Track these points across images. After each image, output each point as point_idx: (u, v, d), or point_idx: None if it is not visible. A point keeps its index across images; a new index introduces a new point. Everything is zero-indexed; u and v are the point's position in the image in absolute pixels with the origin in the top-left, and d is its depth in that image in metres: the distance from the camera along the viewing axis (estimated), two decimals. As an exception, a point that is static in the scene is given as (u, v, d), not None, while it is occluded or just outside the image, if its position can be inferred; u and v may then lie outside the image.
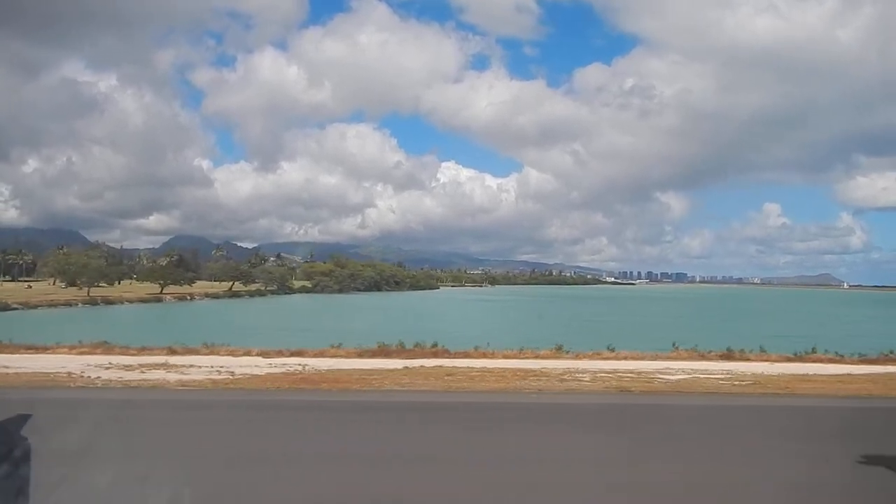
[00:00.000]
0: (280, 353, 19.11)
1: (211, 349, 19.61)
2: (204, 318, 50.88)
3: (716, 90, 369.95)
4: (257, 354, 18.86)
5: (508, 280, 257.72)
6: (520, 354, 19.73)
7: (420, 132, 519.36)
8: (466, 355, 19.56)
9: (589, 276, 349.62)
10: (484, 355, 19.48)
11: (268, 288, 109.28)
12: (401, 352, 19.81)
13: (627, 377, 14.91)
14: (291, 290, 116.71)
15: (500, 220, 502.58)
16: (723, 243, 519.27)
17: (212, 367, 15.76)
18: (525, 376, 14.86)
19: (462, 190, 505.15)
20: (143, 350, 18.85)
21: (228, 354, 18.96)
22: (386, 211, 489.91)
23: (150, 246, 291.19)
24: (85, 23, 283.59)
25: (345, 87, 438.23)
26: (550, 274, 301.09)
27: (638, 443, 8.55)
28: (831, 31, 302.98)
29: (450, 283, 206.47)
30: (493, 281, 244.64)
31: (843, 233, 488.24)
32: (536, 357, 19.60)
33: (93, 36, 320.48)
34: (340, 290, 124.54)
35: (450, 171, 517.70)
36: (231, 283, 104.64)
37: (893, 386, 14.30)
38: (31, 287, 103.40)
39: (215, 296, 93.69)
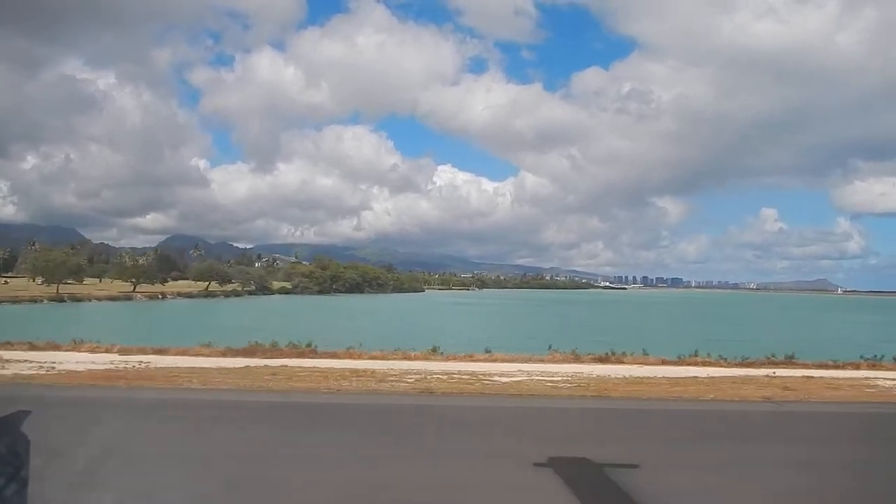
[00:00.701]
0: (142, 351, 19.01)
1: (76, 345, 19.50)
2: (151, 316, 50.80)
3: (714, 95, 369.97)
4: (117, 351, 18.75)
5: (499, 284, 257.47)
6: (388, 355, 19.58)
7: (417, 135, 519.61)
8: (333, 355, 19.42)
9: (581, 281, 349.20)
10: (350, 356, 19.33)
11: (245, 288, 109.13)
12: (268, 351, 19.69)
13: (455, 379, 14.73)
14: (270, 291, 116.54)
15: (496, 223, 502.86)
16: (719, 248, 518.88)
17: (45, 362, 15.63)
18: (350, 376, 14.69)
19: (458, 193, 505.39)
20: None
21: (89, 351, 18.85)
22: (382, 213, 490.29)
23: (147, 245, 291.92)
24: (84, 20, 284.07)
25: (342, 88, 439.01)
26: (542, 278, 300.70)
27: (332, 440, 8.56)
28: (830, 36, 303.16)
29: (437, 286, 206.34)
30: (483, 284, 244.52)
31: (841, 238, 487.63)
32: (405, 358, 19.47)
33: (92, 34, 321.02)
34: (321, 292, 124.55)
35: (446, 175, 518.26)
36: (207, 283, 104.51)
37: (699, 389, 14.14)
38: (7, 283, 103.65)
39: (189, 295, 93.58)
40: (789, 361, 21.02)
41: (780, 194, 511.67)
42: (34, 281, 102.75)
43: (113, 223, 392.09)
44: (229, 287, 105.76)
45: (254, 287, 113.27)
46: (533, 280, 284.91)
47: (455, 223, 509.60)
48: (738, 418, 11.45)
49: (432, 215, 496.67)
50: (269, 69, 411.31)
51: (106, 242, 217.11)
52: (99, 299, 76.31)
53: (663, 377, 16.32)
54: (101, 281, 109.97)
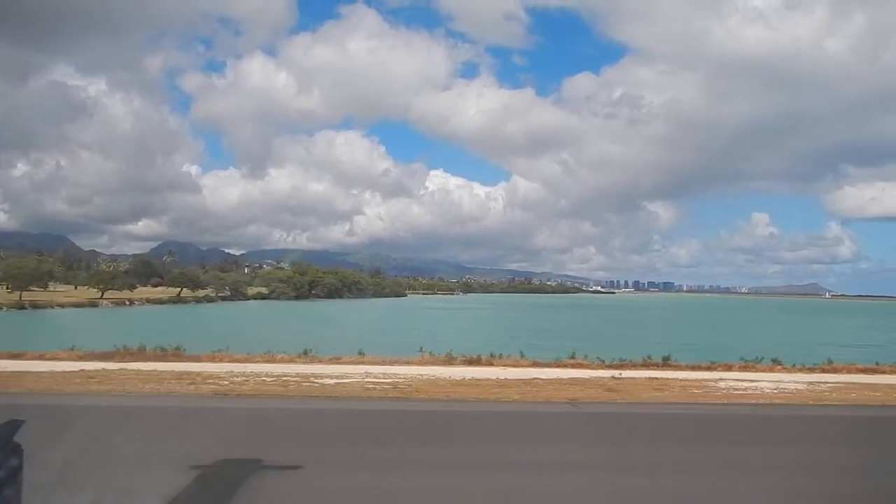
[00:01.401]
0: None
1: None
2: (91, 323, 50.56)
3: (705, 99, 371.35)
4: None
5: (486, 288, 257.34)
6: (251, 358, 19.45)
7: (409, 140, 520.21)
8: (196, 359, 19.28)
9: (570, 285, 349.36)
10: (212, 359, 19.20)
11: (219, 294, 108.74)
12: (131, 354, 19.49)
13: (272, 381, 14.58)
14: (246, 297, 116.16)
15: (488, 228, 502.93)
16: (711, 252, 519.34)
17: None
18: (170, 379, 14.50)
19: (450, 198, 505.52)
20: None
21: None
22: (374, 218, 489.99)
23: (139, 251, 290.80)
24: (75, 27, 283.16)
25: (334, 93, 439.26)
26: (531, 282, 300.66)
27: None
28: (820, 42, 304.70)
29: (422, 291, 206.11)
30: (470, 289, 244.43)
31: (832, 243, 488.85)
32: (268, 361, 19.34)
33: (83, 40, 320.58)
34: (298, 297, 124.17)
35: (438, 179, 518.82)
36: (179, 289, 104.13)
37: (512, 391, 14.04)
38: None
39: (158, 302, 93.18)
40: (664, 363, 20.98)
41: (772, 199, 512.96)
42: (6, 288, 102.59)
43: (104, 230, 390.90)
44: (202, 293, 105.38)
45: (229, 293, 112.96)
46: (520, 284, 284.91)
47: (447, 228, 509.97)
48: (487, 420, 11.33)
49: (425, 220, 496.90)
50: (260, 75, 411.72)
51: (96, 250, 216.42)
52: (62, 306, 75.92)
53: (504, 379, 16.20)
54: (76, 288, 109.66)
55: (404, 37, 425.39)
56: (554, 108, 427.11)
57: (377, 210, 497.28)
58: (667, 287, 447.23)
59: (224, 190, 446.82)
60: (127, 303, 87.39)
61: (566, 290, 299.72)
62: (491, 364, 20.18)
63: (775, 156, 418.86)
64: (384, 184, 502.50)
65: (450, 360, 20.41)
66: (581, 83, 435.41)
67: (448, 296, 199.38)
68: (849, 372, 20.46)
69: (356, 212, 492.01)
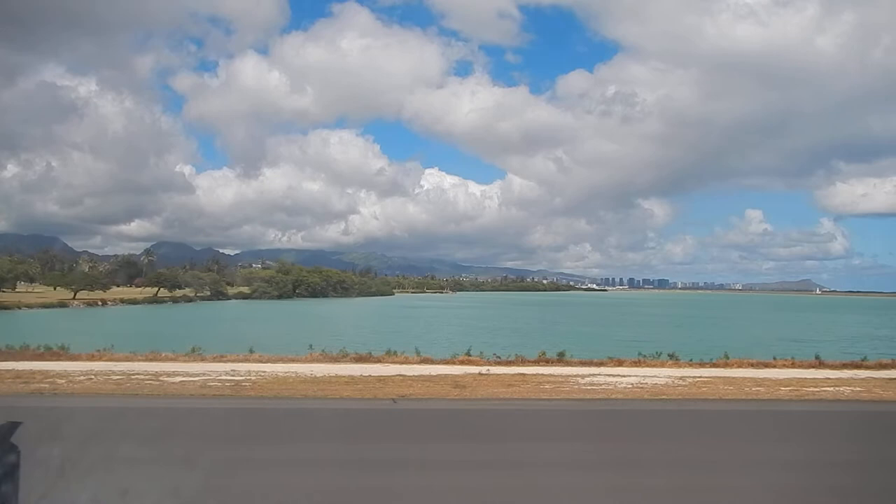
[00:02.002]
0: None
1: None
2: (40, 323, 50.27)
3: (698, 96, 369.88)
4: None
5: (477, 286, 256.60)
6: (133, 357, 19.32)
7: (403, 138, 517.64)
8: (75, 358, 19.18)
9: (564, 283, 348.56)
10: (91, 358, 19.10)
11: (198, 294, 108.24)
12: (15, 354, 19.41)
13: (132, 378, 14.49)
14: (227, 297, 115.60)
15: (484, 226, 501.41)
16: (706, 249, 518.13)
17: None
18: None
19: (446, 197, 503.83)
20: None
21: None
22: (369, 217, 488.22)
23: (132, 252, 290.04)
24: (62, 27, 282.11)
25: (327, 92, 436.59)
26: (523, 280, 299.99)
27: None
28: (811, 39, 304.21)
29: (412, 290, 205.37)
30: (461, 287, 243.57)
31: (825, 239, 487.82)
32: (153, 360, 19.20)
33: (71, 40, 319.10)
34: (280, 297, 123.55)
35: (433, 178, 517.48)
36: (156, 289, 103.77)
37: (349, 389, 13.87)
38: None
39: (133, 301, 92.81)
40: (558, 359, 20.87)
41: (765, 196, 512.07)
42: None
43: (97, 231, 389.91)
44: (179, 293, 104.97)
45: (208, 293, 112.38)
46: (512, 283, 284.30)
47: (443, 226, 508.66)
48: (274, 416, 11.17)
49: (420, 219, 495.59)
50: (252, 74, 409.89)
51: (89, 251, 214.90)
52: (30, 307, 75.53)
53: (368, 376, 16.07)
54: (55, 289, 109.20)
55: (397, 35, 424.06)
56: (548, 106, 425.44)
57: (372, 209, 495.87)
58: (661, 284, 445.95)
59: (218, 190, 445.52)
60: (99, 303, 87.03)
61: (558, 288, 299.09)
62: (379, 361, 20.05)
63: (768, 152, 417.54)
64: (379, 183, 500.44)
65: (338, 359, 20.30)
66: (575, 81, 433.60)
67: (437, 294, 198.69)
68: (740, 367, 20.38)
69: (351, 211, 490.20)
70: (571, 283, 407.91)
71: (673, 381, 15.75)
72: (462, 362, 19.91)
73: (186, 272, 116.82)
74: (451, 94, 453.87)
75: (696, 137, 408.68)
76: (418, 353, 21.23)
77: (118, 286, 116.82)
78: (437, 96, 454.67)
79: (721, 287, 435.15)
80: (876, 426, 11.32)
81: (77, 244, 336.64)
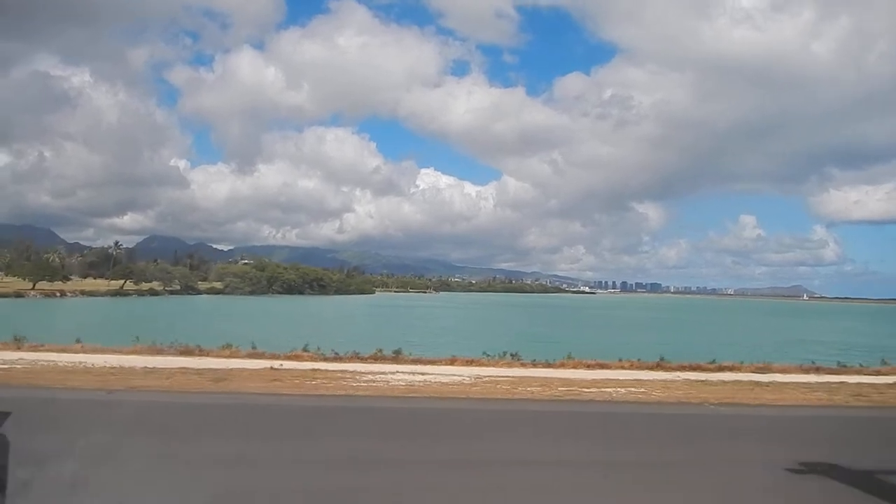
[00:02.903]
0: None
1: None
2: None
3: (693, 100, 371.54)
4: None
5: (464, 287, 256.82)
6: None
7: (399, 137, 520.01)
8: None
9: (552, 285, 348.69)
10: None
11: (166, 288, 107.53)
12: None
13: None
14: (196, 292, 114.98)
15: (478, 227, 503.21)
16: (699, 254, 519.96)
17: None
18: None
19: (441, 197, 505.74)
20: None
21: None
22: (364, 216, 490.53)
23: (125, 246, 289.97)
24: (56, 16, 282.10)
25: (323, 89, 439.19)
26: (511, 282, 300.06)
27: None
28: (807, 44, 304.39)
29: (395, 289, 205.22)
30: (448, 288, 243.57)
31: (817, 245, 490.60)
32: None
33: (65, 30, 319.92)
34: (253, 293, 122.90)
35: (429, 178, 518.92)
36: (123, 282, 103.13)
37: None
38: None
39: (93, 294, 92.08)
40: (392, 357, 20.10)
41: (759, 201, 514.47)
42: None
43: (89, 223, 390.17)
44: (145, 286, 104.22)
45: (178, 287, 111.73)
46: (501, 284, 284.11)
47: (438, 227, 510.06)
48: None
49: (415, 218, 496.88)
50: (248, 69, 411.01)
51: (81, 242, 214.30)
52: (-16, 296, 75.00)
53: (134, 367, 15.42)
54: (26, 280, 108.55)
55: (394, 33, 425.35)
56: (544, 108, 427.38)
57: (367, 208, 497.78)
58: (654, 288, 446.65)
59: (212, 185, 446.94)
60: (58, 294, 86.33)
61: (547, 290, 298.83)
62: (206, 355, 19.38)
63: (762, 157, 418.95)
64: (375, 181, 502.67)
65: (161, 350, 19.63)
66: (572, 83, 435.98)
67: (420, 294, 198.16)
68: (575, 367, 19.67)
69: (346, 209, 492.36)
70: (564, 285, 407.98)
71: (466, 381, 14.98)
72: (290, 358, 19.20)
73: (157, 266, 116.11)
74: (447, 93, 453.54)
75: (691, 141, 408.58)
76: (254, 347, 20.51)
77: (93, 279, 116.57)
78: (434, 95, 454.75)
79: (713, 292, 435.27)
80: (582, 425, 10.63)
81: (69, 236, 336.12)
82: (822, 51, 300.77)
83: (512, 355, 20.68)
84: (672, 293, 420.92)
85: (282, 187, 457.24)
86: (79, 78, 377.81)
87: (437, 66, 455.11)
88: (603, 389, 14.80)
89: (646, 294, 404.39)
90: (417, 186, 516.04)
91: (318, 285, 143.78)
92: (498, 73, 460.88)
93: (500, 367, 19.38)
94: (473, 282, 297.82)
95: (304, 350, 20.53)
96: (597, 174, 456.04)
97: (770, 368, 20.17)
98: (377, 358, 19.73)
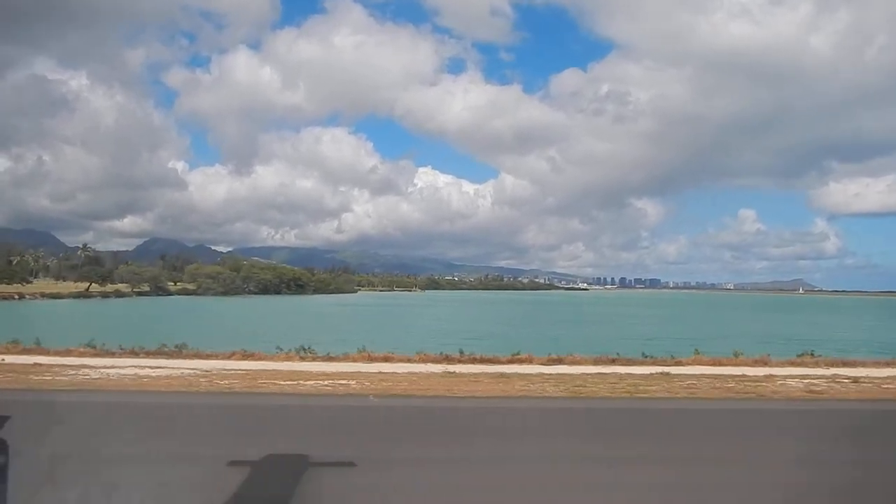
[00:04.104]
0: None
1: None
2: None
3: (691, 95, 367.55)
4: None
5: (454, 286, 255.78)
6: None
7: (396, 136, 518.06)
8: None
9: (547, 283, 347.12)
10: None
11: (134, 289, 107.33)
12: None
13: None
14: (167, 293, 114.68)
15: (477, 225, 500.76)
16: (699, 249, 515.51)
17: None
18: None
19: (439, 195, 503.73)
20: None
21: None
22: (362, 216, 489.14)
23: (125, 248, 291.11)
24: (52, 19, 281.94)
25: (320, 89, 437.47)
26: (502, 280, 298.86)
27: None
28: (805, 37, 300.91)
29: (381, 288, 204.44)
30: (438, 286, 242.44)
31: (818, 238, 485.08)
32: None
33: (61, 32, 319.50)
34: (226, 293, 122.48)
35: (426, 177, 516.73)
36: (88, 283, 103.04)
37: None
38: None
39: (56, 296, 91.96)
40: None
41: (758, 195, 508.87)
42: None
43: (89, 226, 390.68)
44: (111, 288, 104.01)
45: (148, 288, 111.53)
46: (492, 281, 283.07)
47: (436, 225, 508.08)
48: None
49: (413, 217, 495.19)
50: (245, 70, 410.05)
51: (80, 245, 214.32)
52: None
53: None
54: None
55: (390, 32, 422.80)
56: (541, 105, 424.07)
57: (365, 207, 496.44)
58: (653, 284, 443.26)
59: (210, 186, 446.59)
60: (16, 297, 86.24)
61: (539, 287, 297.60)
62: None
63: (761, 152, 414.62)
64: (372, 181, 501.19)
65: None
66: (568, 79, 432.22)
67: (405, 292, 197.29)
68: (363, 360, 19.09)
69: (344, 209, 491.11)
70: (564, 282, 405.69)
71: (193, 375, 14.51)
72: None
73: (128, 266, 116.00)
74: (444, 91, 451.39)
75: (689, 136, 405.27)
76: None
77: (73, 281, 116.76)
78: (430, 94, 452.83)
79: (713, 287, 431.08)
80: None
81: (69, 240, 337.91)
82: (820, 44, 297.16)
83: (304, 349, 20.09)
84: (671, 289, 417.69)
85: (279, 188, 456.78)
86: (76, 81, 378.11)
87: (434, 65, 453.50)
88: (318, 383, 14.21)
89: (643, 290, 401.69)
90: (415, 185, 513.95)
91: (295, 285, 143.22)
92: (494, 71, 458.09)
93: (279, 360, 18.90)
94: (466, 280, 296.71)
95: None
96: (594, 171, 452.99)
97: (563, 360, 19.57)
98: (159, 353, 19.24)
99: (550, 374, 15.59)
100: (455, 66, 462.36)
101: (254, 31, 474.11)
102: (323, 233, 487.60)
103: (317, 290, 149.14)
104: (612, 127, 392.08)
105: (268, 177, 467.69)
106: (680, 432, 9.90)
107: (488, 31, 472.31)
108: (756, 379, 14.89)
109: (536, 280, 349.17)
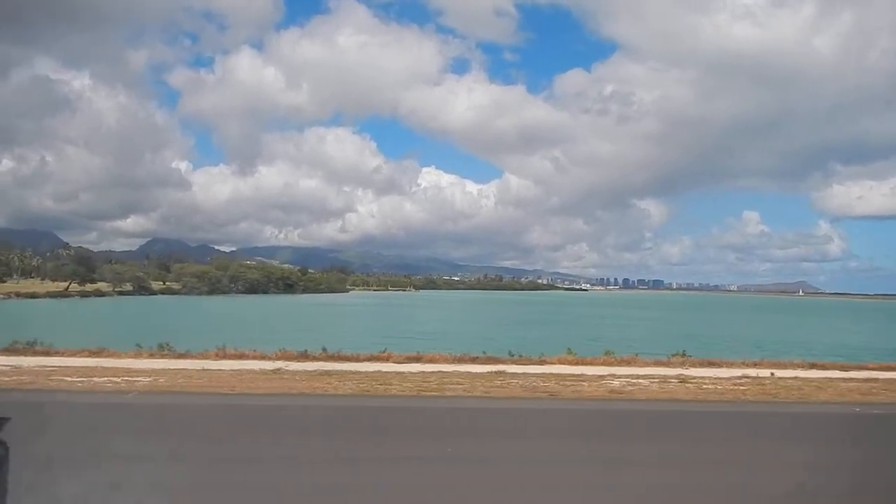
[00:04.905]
0: None
1: None
2: None
3: (695, 97, 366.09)
4: None
5: (450, 285, 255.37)
6: None
7: (400, 136, 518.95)
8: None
9: (543, 282, 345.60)
10: None
11: (115, 289, 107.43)
12: None
13: None
14: (150, 292, 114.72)
15: (480, 226, 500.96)
16: (702, 250, 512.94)
17: None
18: None
19: (443, 195, 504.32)
20: None
21: None
22: (366, 215, 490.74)
23: (128, 248, 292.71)
24: (55, 19, 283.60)
25: (323, 89, 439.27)
26: (500, 280, 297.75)
27: None
28: (808, 40, 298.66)
29: (375, 288, 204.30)
30: (435, 286, 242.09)
31: (822, 241, 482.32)
32: None
33: (64, 33, 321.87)
34: (211, 292, 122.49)
35: (430, 177, 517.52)
36: (68, 283, 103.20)
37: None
38: None
39: (32, 295, 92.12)
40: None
41: (762, 197, 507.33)
42: None
43: (92, 226, 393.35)
44: (91, 287, 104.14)
45: (131, 287, 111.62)
46: (490, 282, 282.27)
47: (440, 225, 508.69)
48: None
49: (417, 217, 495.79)
50: (248, 70, 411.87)
51: (83, 246, 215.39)
52: None
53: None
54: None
55: (394, 32, 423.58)
56: (545, 105, 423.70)
57: (369, 207, 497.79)
58: (656, 285, 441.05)
59: (214, 186, 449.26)
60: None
61: (538, 288, 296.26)
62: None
63: (764, 153, 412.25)
64: (376, 180, 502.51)
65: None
66: (572, 80, 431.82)
67: (399, 292, 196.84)
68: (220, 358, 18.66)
69: (348, 209, 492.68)
70: (567, 282, 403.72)
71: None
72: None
73: (110, 266, 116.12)
74: (447, 91, 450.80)
75: (692, 137, 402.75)
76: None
77: (63, 281, 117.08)
78: (434, 93, 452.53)
79: (716, 288, 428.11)
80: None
81: (72, 239, 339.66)
82: (823, 46, 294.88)
83: (163, 346, 19.60)
84: (674, 290, 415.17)
85: (283, 188, 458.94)
86: (79, 81, 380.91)
87: (438, 65, 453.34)
88: (111, 378, 13.73)
89: (645, 291, 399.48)
90: (419, 185, 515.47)
91: (284, 285, 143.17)
92: (498, 71, 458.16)
93: (127, 358, 18.43)
94: (466, 280, 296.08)
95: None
96: (598, 171, 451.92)
97: (421, 359, 18.99)
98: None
99: (373, 373, 15.00)
100: (459, 66, 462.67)
101: (257, 32, 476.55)
102: (327, 233, 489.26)
103: (307, 290, 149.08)
104: (616, 127, 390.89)
105: (271, 177, 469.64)
106: (392, 430, 9.37)
107: (492, 31, 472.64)
108: (580, 378, 14.18)
109: (538, 281, 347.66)
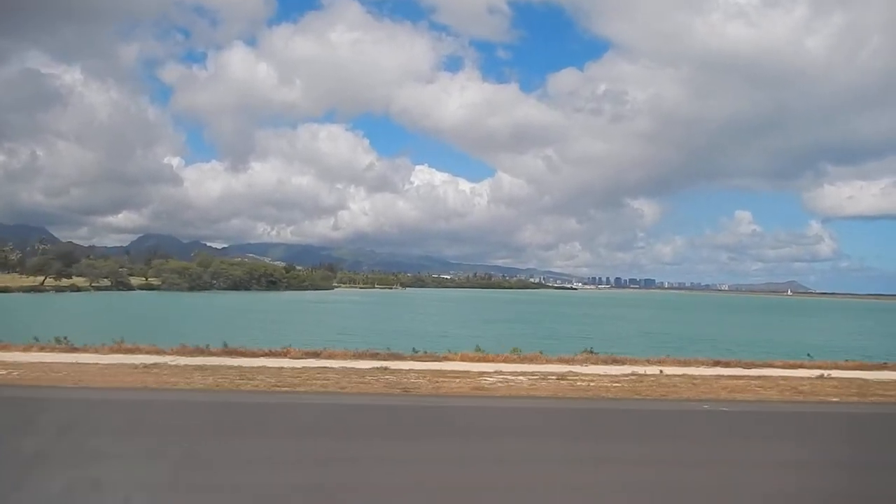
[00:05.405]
0: None
1: None
2: None
3: (687, 96, 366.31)
4: None
5: (439, 283, 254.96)
6: None
7: (393, 134, 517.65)
8: None
9: (532, 281, 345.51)
10: None
11: (92, 284, 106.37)
12: None
13: None
14: (129, 288, 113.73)
15: (473, 224, 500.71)
16: (695, 250, 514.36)
17: None
18: None
19: (435, 193, 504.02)
20: None
21: None
22: (359, 213, 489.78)
23: (119, 244, 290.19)
24: (45, 14, 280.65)
25: (316, 85, 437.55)
26: (489, 278, 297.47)
27: None
28: (800, 40, 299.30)
29: (361, 285, 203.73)
30: (422, 283, 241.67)
31: (813, 241, 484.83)
32: None
33: (54, 27, 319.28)
34: (192, 289, 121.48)
35: (423, 175, 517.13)
36: (43, 278, 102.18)
37: None
38: None
39: (4, 290, 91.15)
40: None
41: (754, 196, 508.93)
42: None
43: (84, 222, 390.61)
44: (66, 282, 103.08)
45: (110, 283, 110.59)
46: (479, 280, 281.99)
47: (432, 223, 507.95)
48: None
49: (410, 215, 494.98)
50: (241, 66, 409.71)
51: (74, 241, 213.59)
52: None
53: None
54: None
55: (387, 29, 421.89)
56: (538, 104, 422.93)
57: (362, 205, 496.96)
58: (647, 284, 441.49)
59: (206, 183, 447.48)
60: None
61: (527, 286, 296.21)
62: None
63: (757, 153, 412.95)
64: (369, 178, 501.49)
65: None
66: (565, 78, 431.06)
67: (385, 290, 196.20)
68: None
69: (341, 206, 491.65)
70: (559, 281, 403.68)
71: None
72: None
73: (87, 261, 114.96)
74: (440, 89, 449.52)
75: (685, 137, 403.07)
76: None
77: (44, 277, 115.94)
78: (427, 91, 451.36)
79: (707, 288, 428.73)
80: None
81: (63, 235, 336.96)
82: (815, 46, 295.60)
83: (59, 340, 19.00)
84: (665, 289, 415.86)
85: (276, 184, 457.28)
86: (70, 76, 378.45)
87: (430, 62, 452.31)
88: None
89: (636, 290, 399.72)
90: (412, 183, 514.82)
91: (267, 282, 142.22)
92: (491, 69, 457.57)
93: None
94: (455, 278, 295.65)
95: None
96: (591, 170, 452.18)
97: (319, 354, 18.48)
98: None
99: (249, 368, 14.44)
100: (452, 64, 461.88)
101: (249, 27, 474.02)
102: (319, 230, 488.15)
103: (290, 287, 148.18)
104: (608, 126, 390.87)
105: (264, 173, 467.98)
106: (184, 427, 8.83)
107: (486, 29, 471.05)
108: (459, 375, 13.63)
109: (530, 280, 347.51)
